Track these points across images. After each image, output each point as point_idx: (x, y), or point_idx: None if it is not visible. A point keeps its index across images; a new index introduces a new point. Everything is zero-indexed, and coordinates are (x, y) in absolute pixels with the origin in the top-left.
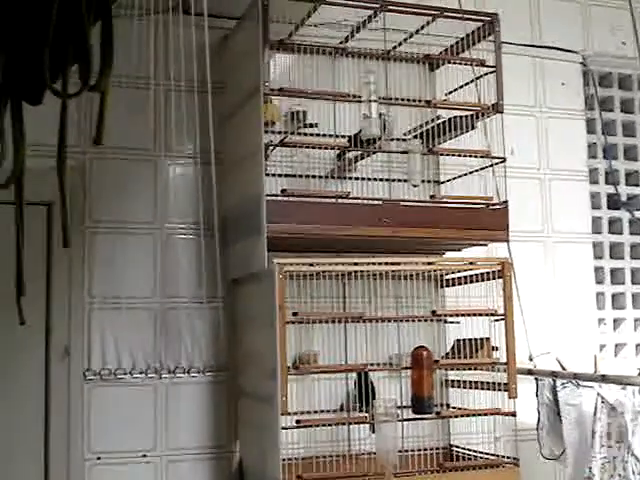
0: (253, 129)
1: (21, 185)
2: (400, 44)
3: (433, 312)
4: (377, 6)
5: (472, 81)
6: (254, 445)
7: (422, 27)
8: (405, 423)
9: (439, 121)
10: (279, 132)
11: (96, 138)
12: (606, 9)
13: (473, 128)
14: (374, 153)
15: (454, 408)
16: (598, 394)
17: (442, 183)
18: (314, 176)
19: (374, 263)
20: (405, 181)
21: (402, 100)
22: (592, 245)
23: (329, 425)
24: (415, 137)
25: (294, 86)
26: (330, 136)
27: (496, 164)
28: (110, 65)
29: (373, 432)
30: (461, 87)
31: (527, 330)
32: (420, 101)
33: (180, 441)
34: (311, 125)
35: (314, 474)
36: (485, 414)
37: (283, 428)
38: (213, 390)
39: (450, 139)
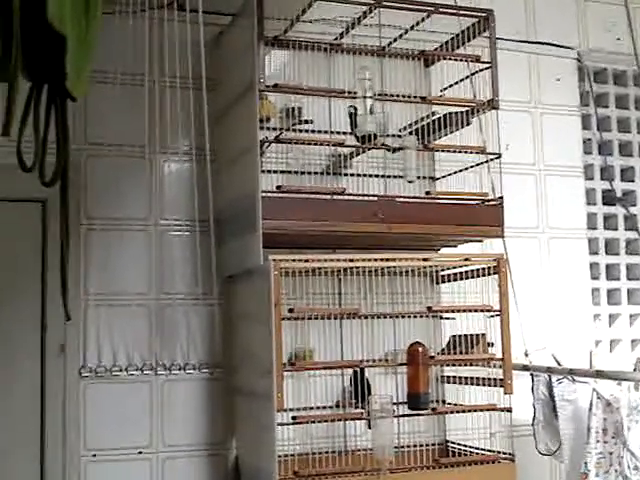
0: (248, 125)
1: (66, 182)
2: (395, 40)
3: (429, 308)
4: (372, 2)
5: (467, 77)
6: (250, 442)
7: (417, 23)
8: (401, 419)
9: (434, 117)
10: (274, 128)
11: (3, 129)
12: (601, 5)
13: (468, 124)
14: (369, 149)
15: (450, 404)
16: (594, 390)
17: (437, 179)
18: (309, 172)
19: (369, 259)
20: (400, 177)
21: (397, 96)
22: (587, 241)
23: (325, 421)
24: (410, 133)
25: (289, 82)
26: (325, 132)
27: (491, 160)
28: (8, 55)
29: (369, 428)
30: (456, 83)
31: (523, 326)
32: (415, 97)
33: (176, 438)
34: (306, 121)
35: (310, 470)
36: (481, 410)
37: (279, 424)
38: (209, 387)
39: (445, 135)
